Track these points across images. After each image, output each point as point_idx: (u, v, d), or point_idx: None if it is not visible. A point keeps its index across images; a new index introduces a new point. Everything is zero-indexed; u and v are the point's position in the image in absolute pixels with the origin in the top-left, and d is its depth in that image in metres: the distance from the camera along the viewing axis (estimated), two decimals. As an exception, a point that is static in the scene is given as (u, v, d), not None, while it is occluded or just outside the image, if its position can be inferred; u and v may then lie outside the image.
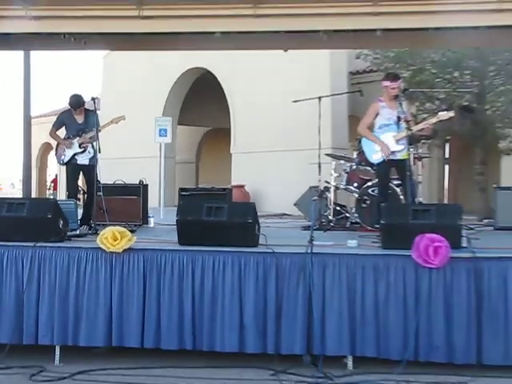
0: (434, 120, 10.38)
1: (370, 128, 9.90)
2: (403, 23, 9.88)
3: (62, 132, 11.32)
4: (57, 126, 11.24)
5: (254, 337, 7.58)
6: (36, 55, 12.06)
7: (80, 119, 11.02)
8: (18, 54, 12.23)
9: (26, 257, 7.83)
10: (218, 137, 29.90)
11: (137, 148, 24.53)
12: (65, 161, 11.12)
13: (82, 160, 10.93)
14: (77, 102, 11.04)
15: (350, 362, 7.49)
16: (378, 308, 7.45)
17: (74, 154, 10.99)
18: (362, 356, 7.46)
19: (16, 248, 7.88)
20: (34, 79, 12.09)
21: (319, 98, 12.68)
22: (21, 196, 15.17)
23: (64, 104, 11.05)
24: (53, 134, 11.25)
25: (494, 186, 12.95)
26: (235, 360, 7.51)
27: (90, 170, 10.72)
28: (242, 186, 23.22)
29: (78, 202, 10.95)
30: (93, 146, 10.79)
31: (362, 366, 7.36)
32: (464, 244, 7.82)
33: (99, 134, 10.61)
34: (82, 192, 11.78)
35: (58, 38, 10.55)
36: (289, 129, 21.61)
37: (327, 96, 13.81)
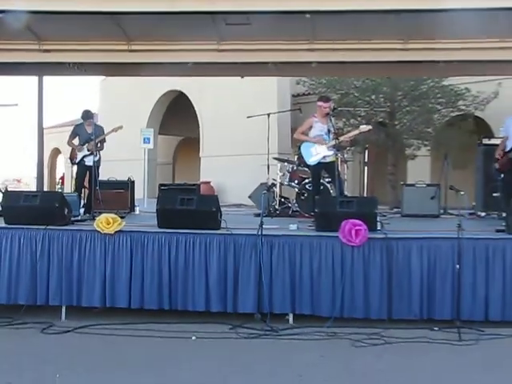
0: (356, 132, 10.43)
1: (304, 135, 9.91)
2: (333, 57, 9.94)
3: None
4: (72, 136, 11.45)
5: (216, 299, 7.59)
6: (47, 80, 12.02)
7: (89, 130, 11.16)
8: (34, 79, 12.19)
9: (38, 237, 7.77)
10: (189, 144, 29.78)
11: (126, 152, 24.36)
12: (76, 161, 11.30)
13: (89, 162, 10.98)
14: (86, 114, 11.28)
15: (291, 318, 7.53)
16: (312, 276, 7.48)
17: (83, 156, 11.17)
18: (300, 313, 7.51)
19: (31, 230, 7.82)
20: (45, 98, 12.03)
21: (268, 114, 12.66)
22: (35, 189, 14.97)
23: (69, 117, 11.24)
24: (69, 142, 11.46)
25: (402, 183, 13.04)
26: (202, 317, 7.51)
27: (94, 170, 10.76)
28: (209, 182, 23.15)
29: (81, 195, 11.03)
30: (98, 152, 10.93)
31: (300, 321, 7.39)
32: (378, 227, 7.89)
33: (106, 139, 11.40)
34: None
35: (65, 67, 10.49)
36: (245, 138, 21.57)
37: (274, 113, 13.80)
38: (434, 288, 7.41)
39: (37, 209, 8.02)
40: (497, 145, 11.68)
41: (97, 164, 10.92)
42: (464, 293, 7.17)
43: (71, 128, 11.83)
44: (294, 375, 5.61)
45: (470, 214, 11.62)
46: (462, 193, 8.06)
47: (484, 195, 12.18)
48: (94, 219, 8.17)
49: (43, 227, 7.82)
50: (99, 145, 11.11)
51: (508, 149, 9.82)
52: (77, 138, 11.34)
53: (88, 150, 11.04)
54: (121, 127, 11.49)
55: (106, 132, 11.41)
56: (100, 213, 8.44)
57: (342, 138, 9.92)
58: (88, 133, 11.12)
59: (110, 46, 9.95)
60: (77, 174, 11.51)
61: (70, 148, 11.47)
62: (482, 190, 12.26)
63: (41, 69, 11.31)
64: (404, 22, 8.81)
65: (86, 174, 11.20)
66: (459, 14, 8.35)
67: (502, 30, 9.14)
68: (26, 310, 7.57)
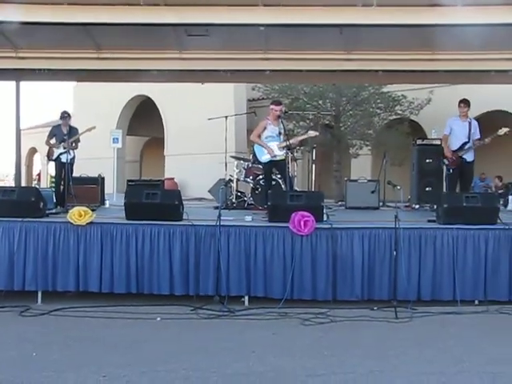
0: (305, 136, 10.54)
1: (259, 138, 9.92)
2: (284, 66, 10.03)
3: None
4: (50, 136, 11.23)
5: (179, 283, 7.59)
6: (25, 84, 11.81)
7: (65, 130, 11.00)
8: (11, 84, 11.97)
9: (16, 228, 7.65)
10: (155, 144, 29.62)
11: (98, 151, 24.09)
12: (53, 158, 11.09)
13: (64, 159, 10.83)
14: (64, 114, 11.13)
15: (246, 300, 7.56)
16: (265, 263, 7.52)
17: (60, 154, 10.93)
18: (254, 296, 7.54)
19: (9, 222, 7.70)
20: (23, 101, 11.79)
21: (226, 117, 12.64)
22: (13, 185, 14.76)
23: (45, 119, 11.09)
24: (47, 141, 11.24)
25: (346, 179, 13.14)
26: (166, 300, 7.50)
27: (68, 167, 10.69)
28: (172, 178, 23.09)
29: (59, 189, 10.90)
30: (73, 151, 10.83)
31: (255, 303, 7.43)
32: (325, 218, 7.95)
33: (80, 138, 11.08)
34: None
35: (40, 73, 10.37)
36: (205, 138, 21.55)
37: (232, 116, 13.80)
38: (374, 272, 7.51)
39: (14, 202, 7.91)
40: (430, 145, 11.94)
41: (71, 161, 10.81)
42: (400, 276, 7.28)
43: (46, 129, 11.69)
44: (249, 351, 5.63)
45: (406, 206, 11.78)
46: (398, 187, 8.19)
47: (418, 189, 12.38)
48: (67, 212, 8.08)
49: (20, 219, 7.71)
50: (74, 144, 10.96)
51: (455, 147, 10.08)
52: (54, 138, 11.20)
53: (64, 148, 10.90)
54: (94, 127, 11.32)
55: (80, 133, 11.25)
56: (73, 206, 8.35)
57: (292, 141, 9.94)
58: (64, 133, 10.99)
59: (81, 54, 9.89)
60: (55, 169, 11.36)
61: (48, 146, 11.31)
62: (417, 184, 12.46)
63: (17, 75, 11.10)
64: (347, 35, 8.92)
65: (63, 169, 11.07)
66: (394, 29, 8.50)
67: (431, 43, 9.33)
68: (4, 296, 7.50)
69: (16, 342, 5.89)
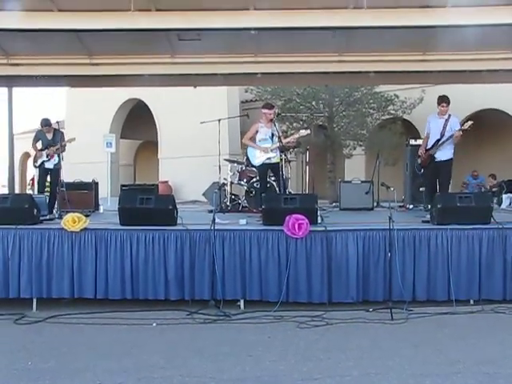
0: (296, 136, 10.48)
1: (252, 140, 9.92)
2: (275, 69, 10.06)
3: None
4: (35, 140, 11.28)
5: (175, 288, 7.58)
6: (16, 90, 11.82)
7: (49, 136, 11.04)
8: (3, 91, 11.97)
9: (10, 235, 7.65)
10: (149, 147, 29.59)
11: (91, 155, 24.07)
12: (37, 165, 11.10)
13: (48, 165, 10.90)
14: (45, 122, 11.12)
15: (242, 303, 7.56)
16: (260, 266, 7.52)
17: (43, 161, 10.92)
18: (250, 299, 7.54)
19: (2, 229, 7.69)
20: (16, 105, 11.81)
21: (219, 120, 12.63)
22: (7, 192, 14.71)
23: (38, 124, 11.05)
24: (33, 146, 11.24)
25: (340, 180, 13.18)
26: (162, 305, 7.50)
27: (53, 173, 10.92)
28: (166, 182, 23.13)
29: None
30: (58, 156, 10.78)
31: (250, 306, 7.43)
32: (319, 221, 7.96)
33: (66, 146, 10.98)
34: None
35: (32, 79, 10.37)
36: (198, 141, 21.53)
37: (225, 118, 13.80)
38: (369, 274, 7.52)
39: (8, 210, 7.91)
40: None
41: (57, 166, 10.84)
42: (395, 277, 7.28)
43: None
44: (245, 355, 5.63)
45: (400, 206, 11.82)
46: (391, 189, 8.20)
47: (412, 189, 12.44)
48: (61, 218, 8.07)
49: (14, 227, 7.70)
50: (57, 150, 10.89)
51: (429, 146, 9.98)
52: (40, 141, 11.20)
53: (47, 156, 10.91)
54: (74, 139, 11.53)
55: (65, 137, 11.24)
56: (67, 212, 8.34)
57: (284, 141, 9.94)
58: (48, 139, 11.03)
59: (73, 60, 9.89)
60: (38, 175, 11.35)
61: (35, 152, 11.30)
62: (410, 184, 12.53)
63: (10, 81, 11.12)
64: (339, 38, 8.94)
65: (47, 176, 11.08)
66: (385, 31, 8.52)
67: (422, 44, 9.37)
68: (-1, 303, 7.48)
69: (10, 351, 5.87)
